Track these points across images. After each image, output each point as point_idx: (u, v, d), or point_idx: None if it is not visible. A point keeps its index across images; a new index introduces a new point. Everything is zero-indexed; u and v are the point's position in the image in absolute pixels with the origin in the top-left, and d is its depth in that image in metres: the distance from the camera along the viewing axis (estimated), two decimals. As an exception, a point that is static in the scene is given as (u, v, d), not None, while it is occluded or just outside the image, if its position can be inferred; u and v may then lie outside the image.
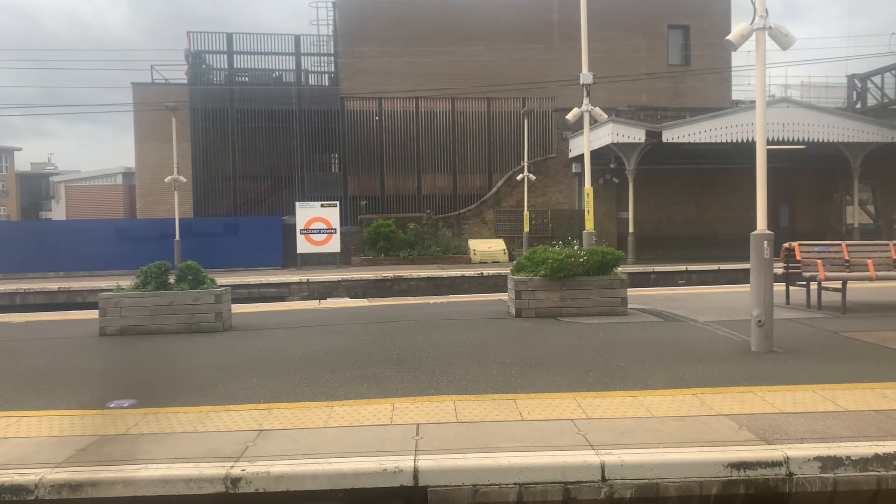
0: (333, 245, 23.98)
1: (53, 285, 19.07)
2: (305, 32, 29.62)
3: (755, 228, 7.10)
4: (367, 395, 5.70)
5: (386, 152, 27.39)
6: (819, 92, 32.99)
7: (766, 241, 6.98)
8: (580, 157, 20.49)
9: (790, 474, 4.08)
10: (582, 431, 4.61)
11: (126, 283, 10.17)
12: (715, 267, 20.74)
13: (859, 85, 28.37)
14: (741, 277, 17.62)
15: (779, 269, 9.29)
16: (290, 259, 24.27)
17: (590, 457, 4.13)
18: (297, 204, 24.32)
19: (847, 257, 10.31)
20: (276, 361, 7.22)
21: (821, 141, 22.03)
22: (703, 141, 21.68)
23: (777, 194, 26.20)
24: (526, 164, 24.36)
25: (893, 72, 26.83)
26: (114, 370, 7.41)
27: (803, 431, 4.53)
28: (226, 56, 27.80)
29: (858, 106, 27.97)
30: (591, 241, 12.53)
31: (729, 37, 7.28)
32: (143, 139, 27.02)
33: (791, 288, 10.92)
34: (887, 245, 10.56)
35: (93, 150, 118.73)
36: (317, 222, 23.93)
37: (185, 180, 24.04)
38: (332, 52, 29.13)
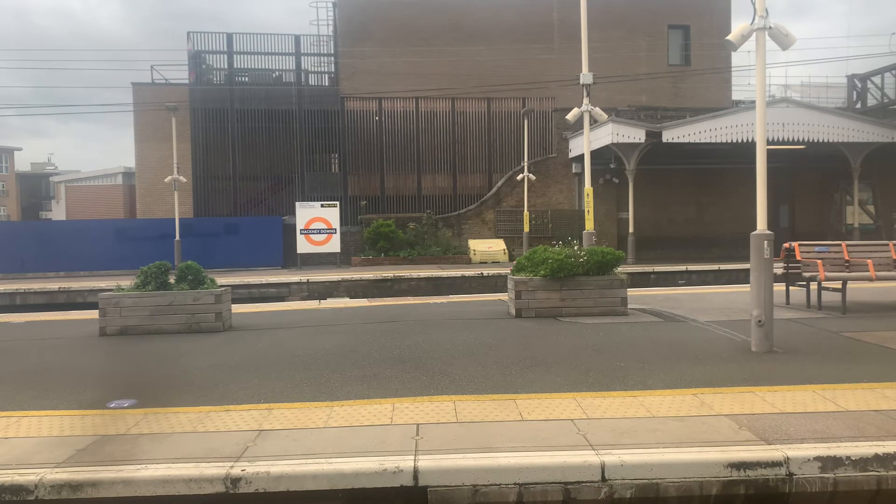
0: (333, 245, 23.98)
1: (53, 285, 19.07)
2: (305, 32, 29.67)
3: (755, 228, 7.10)
4: (368, 394, 5.70)
5: (386, 152, 27.38)
6: (819, 92, 32.95)
7: (766, 241, 6.98)
8: (580, 157, 20.50)
9: (790, 474, 4.08)
10: (582, 431, 4.61)
11: (126, 283, 10.17)
12: (715, 267, 20.74)
13: (859, 85, 28.37)
14: (741, 277, 17.63)
15: (779, 269, 9.30)
16: (291, 259, 24.27)
17: (590, 457, 4.13)
18: (297, 204, 24.33)
19: (847, 257, 10.31)
20: (276, 361, 7.22)
21: (821, 141, 22.03)
22: (703, 141, 21.68)
23: (777, 194, 26.19)
24: (526, 164, 24.35)
25: (893, 72, 26.83)
26: (114, 370, 7.42)
27: (803, 431, 4.53)
28: (226, 56, 27.78)
29: (858, 106, 27.97)
30: (591, 241, 12.54)
31: (729, 37, 7.28)
32: (144, 139, 27.02)
33: (791, 288, 10.91)
34: (887, 245, 10.56)
35: (91, 150, 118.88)
36: (317, 222, 23.93)
37: (185, 180, 24.04)
38: (332, 52, 29.13)
